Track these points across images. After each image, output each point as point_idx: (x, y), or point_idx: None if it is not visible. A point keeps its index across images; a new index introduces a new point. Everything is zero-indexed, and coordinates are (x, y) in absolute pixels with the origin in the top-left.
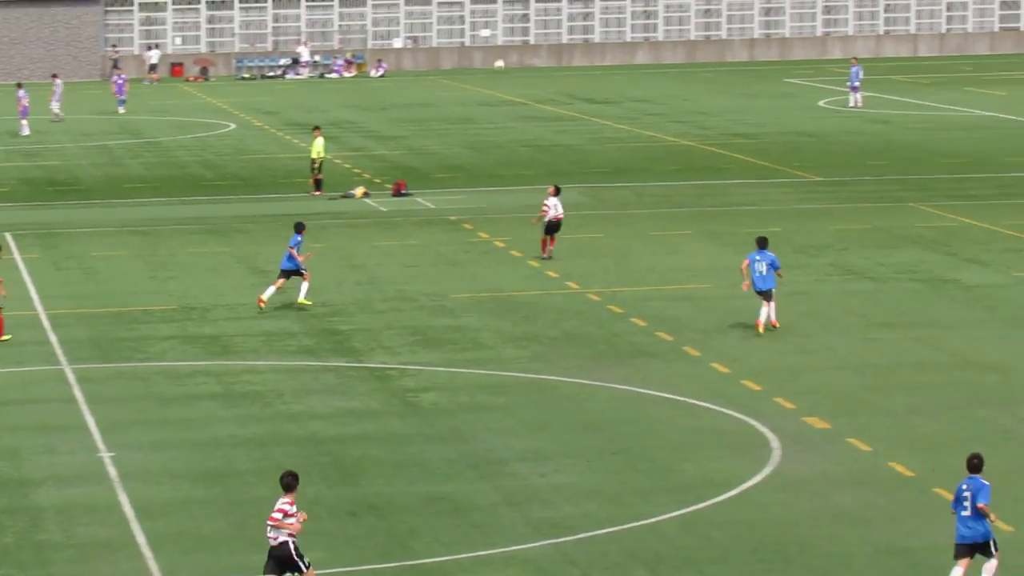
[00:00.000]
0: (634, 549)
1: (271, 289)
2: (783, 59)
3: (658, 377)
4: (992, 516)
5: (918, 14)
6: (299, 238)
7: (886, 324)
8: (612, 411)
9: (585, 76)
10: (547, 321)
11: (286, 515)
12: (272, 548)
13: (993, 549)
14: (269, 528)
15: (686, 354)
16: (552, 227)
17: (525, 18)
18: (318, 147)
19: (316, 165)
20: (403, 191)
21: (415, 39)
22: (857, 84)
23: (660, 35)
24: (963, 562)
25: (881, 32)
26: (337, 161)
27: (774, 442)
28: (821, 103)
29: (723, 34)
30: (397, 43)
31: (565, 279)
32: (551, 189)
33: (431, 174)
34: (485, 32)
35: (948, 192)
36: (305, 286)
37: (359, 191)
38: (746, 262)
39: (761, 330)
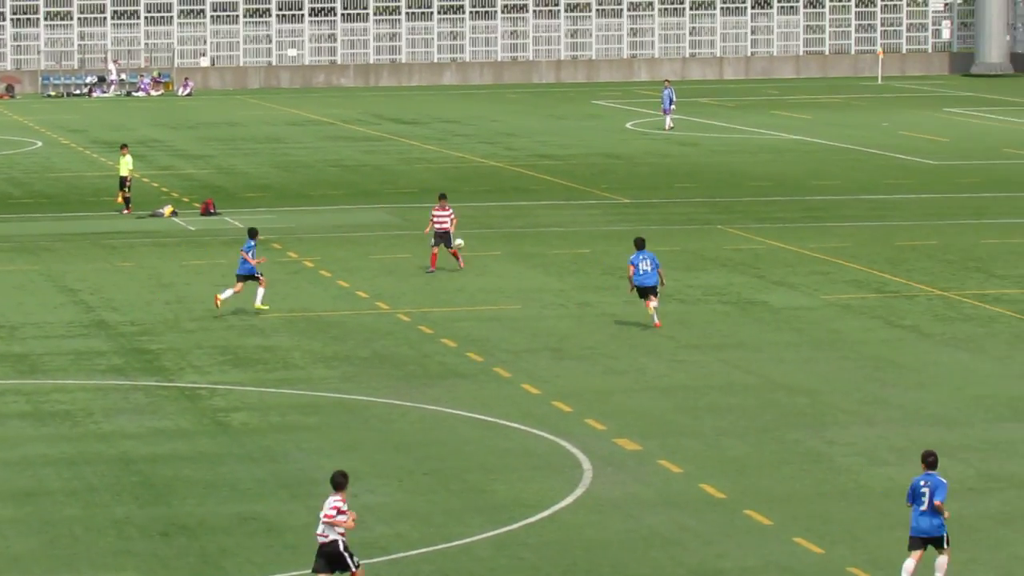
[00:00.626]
0: (447, 570)
1: (228, 292)
2: (590, 81)
3: (468, 398)
4: (946, 513)
5: (723, 37)
6: (252, 243)
7: (695, 346)
8: (423, 432)
9: (393, 96)
10: (357, 341)
11: (339, 512)
12: (322, 545)
13: (945, 544)
14: (321, 526)
15: (496, 375)
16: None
17: (332, 38)
18: (127, 165)
19: (128, 183)
20: (211, 210)
21: (212, 58)
22: (672, 107)
23: (467, 56)
24: (916, 554)
25: (687, 55)
26: (145, 180)
27: (585, 463)
28: (628, 125)
29: (530, 56)
30: (204, 62)
31: (375, 299)
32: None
33: (239, 193)
34: (292, 52)
35: (755, 215)
36: (261, 291)
37: (167, 210)
38: (632, 268)
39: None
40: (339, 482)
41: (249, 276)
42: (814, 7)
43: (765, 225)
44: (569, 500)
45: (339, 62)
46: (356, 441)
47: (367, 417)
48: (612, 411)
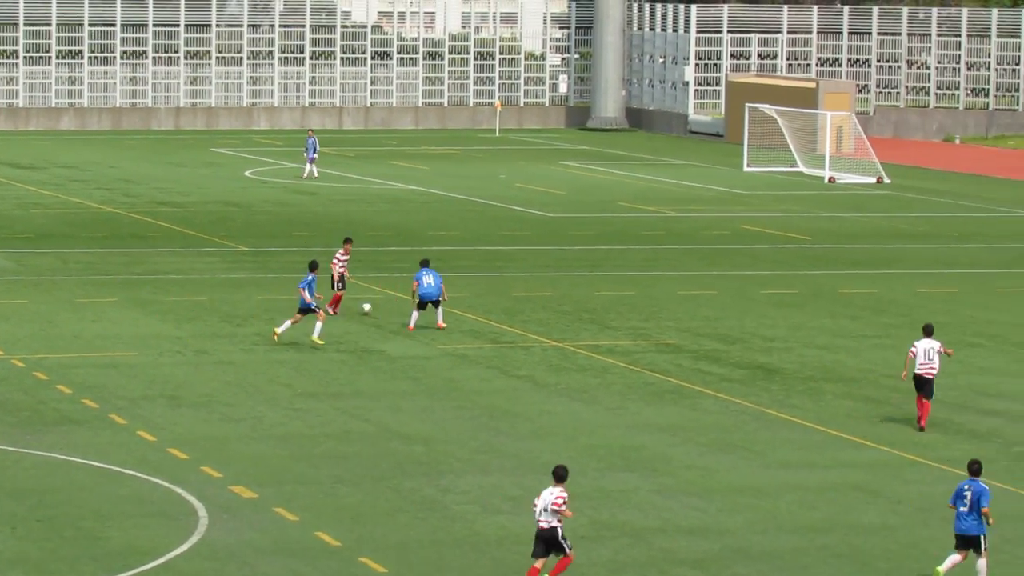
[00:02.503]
0: None
1: (287, 324)
2: (209, 128)
3: (84, 444)
4: (991, 520)
5: (343, 87)
6: (311, 277)
7: (312, 394)
8: (37, 478)
9: (9, 141)
10: None
11: (564, 502)
12: (542, 530)
13: (983, 546)
14: (544, 512)
15: (112, 422)
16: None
17: None
18: None
19: None
20: None
21: None
22: (315, 156)
23: (85, 101)
24: (964, 552)
25: (307, 104)
26: None
27: (201, 511)
28: (247, 173)
29: (149, 102)
30: None
31: None
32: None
33: None
34: None
35: (373, 264)
36: (319, 325)
37: None
38: (416, 283)
39: (411, 329)
40: (561, 475)
41: (308, 310)
42: (433, 59)
43: (383, 275)
44: (184, 548)
45: None
46: None
47: None
48: (228, 458)
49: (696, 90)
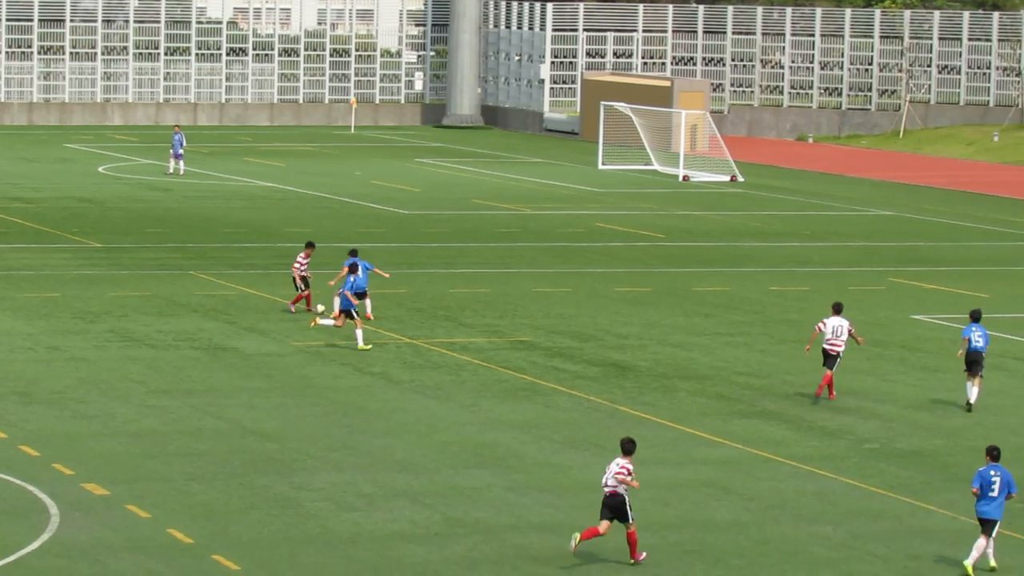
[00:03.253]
0: None
1: (359, 333)
2: (63, 124)
3: None
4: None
5: (198, 83)
6: (351, 279)
7: (165, 391)
8: None
9: None
10: None
11: (629, 472)
12: (608, 496)
13: (995, 531)
14: (612, 480)
15: None
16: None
17: None
18: None
19: None
20: None
21: None
22: (181, 152)
23: None
24: (988, 535)
25: (161, 100)
26: None
27: (52, 508)
28: (101, 169)
29: (1, 97)
30: None
31: None
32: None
33: None
34: None
35: (228, 261)
36: (360, 332)
37: None
38: (345, 269)
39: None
40: (628, 448)
41: (350, 311)
42: (289, 56)
43: (238, 271)
44: (35, 545)
45: None
46: None
47: None
48: (80, 456)
49: (551, 88)
